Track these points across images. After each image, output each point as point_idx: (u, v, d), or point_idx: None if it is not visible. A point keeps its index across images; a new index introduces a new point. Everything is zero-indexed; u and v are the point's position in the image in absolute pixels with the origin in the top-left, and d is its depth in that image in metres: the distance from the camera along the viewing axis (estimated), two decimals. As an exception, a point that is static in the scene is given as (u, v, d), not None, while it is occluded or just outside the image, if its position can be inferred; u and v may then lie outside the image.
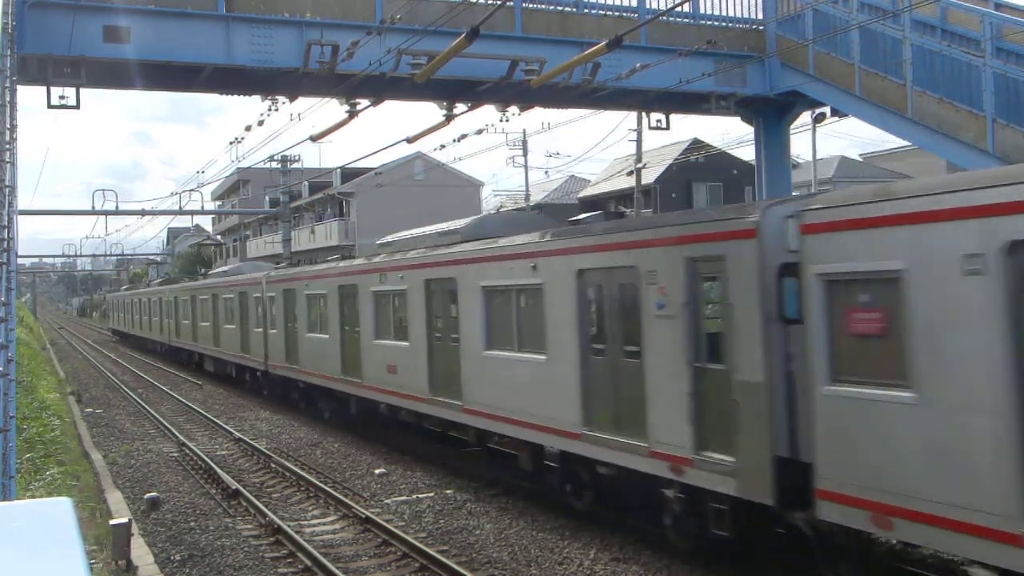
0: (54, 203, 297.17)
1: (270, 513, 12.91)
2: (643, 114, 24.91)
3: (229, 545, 11.85)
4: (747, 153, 40.33)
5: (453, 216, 20.73)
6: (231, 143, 27.77)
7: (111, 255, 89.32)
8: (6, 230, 8.81)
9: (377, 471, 15.91)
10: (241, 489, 14.54)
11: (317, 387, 21.15)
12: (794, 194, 20.20)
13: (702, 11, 19.91)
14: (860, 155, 58.23)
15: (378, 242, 19.40)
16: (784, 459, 8.40)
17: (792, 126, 22.39)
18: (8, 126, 11.68)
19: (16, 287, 10.71)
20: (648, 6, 19.42)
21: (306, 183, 57.22)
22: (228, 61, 16.46)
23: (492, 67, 17.18)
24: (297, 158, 40.68)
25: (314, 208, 63.24)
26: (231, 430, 20.99)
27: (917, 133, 16.82)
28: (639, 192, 40.20)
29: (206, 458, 17.30)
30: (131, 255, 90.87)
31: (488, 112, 26.15)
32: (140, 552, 10.91)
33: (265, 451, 17.98)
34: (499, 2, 14.69)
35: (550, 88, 17.63)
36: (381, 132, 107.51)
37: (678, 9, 18.98)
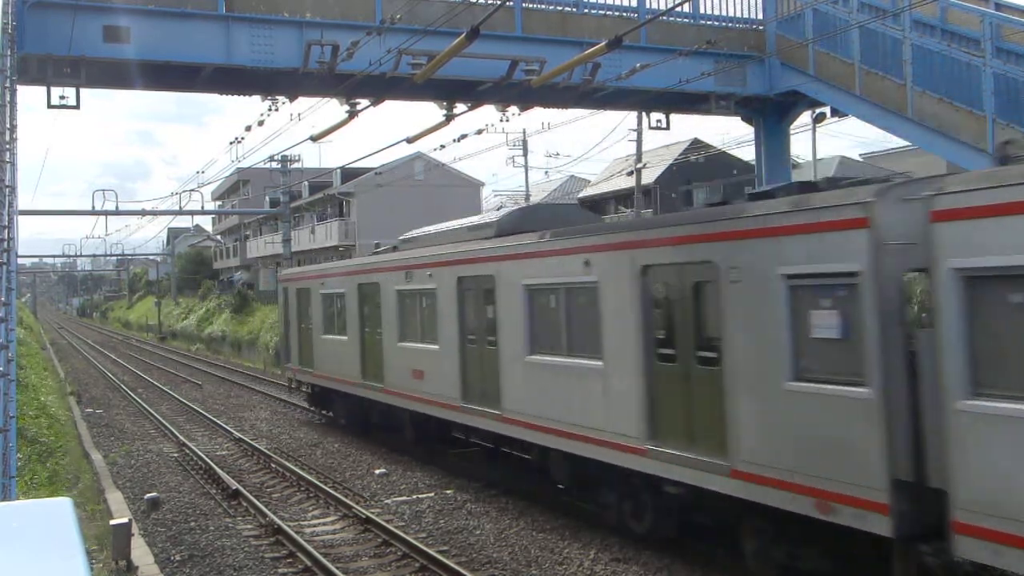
0: (54, 203, 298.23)
1: (270, 513, 12.91)
2: (643, 114, 24.93)
3: (229, 545, 11.84)
4: (747, 153, 40.37)
5: (453, 216, 20.43)
6: (231, 143, 27.82)
7: (111, 255, 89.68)
8: (6, 230, 8.81)
9: (377, 471, 15.91)
10: (241, 489, 14.54)
11: (358, 397, 19.44)
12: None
13: (702, 11, 19.92)
14: (860, 155, 58.17)
15: (400, 237, 18.23)
16: (903, 483, 7.32)
17: (792, 126, 22.41)
18: (8, 126, 11.69)
19: (16, 287, 10.71)
20: (648, 6, 19.44)
21: (306, 183, 57.22)
22: (228, 61, 16.48)
23: (492, 67, 17.19)
24: (297, 158, 40.75)
25: (314, 208, 63.23)
26: (231, 430, 20.98)
27: (917, 133, 16.83)
28: (639, 192, 40.22)
29: (206, 458, 17.29)
30: (131, 255, 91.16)
31: (488, 112, 26.17)
32: (140, 552, 10.92)
33: (265, 451, 17.97)
34: (499, 2, 14.68)
35: (550, 88, 17.64)
36: (381, 132, 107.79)
37: (678, 9, 19.00)
